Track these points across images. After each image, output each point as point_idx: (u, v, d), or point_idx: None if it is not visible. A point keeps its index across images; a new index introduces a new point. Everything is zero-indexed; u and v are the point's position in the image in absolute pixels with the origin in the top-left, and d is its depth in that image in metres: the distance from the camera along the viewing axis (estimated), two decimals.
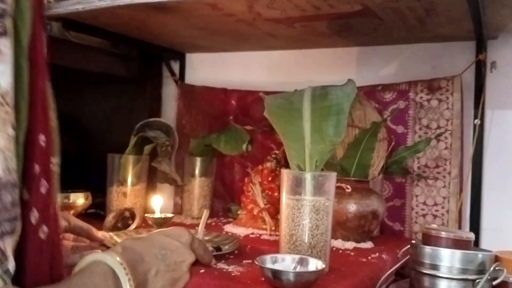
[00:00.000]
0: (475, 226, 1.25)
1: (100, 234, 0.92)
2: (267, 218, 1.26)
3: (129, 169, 1.27)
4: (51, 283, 0.46)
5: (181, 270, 0.62)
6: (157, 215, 1.22)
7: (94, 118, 1.75)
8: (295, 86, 1.08)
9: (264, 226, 1.26)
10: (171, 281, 0.60)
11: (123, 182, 1.27)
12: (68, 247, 0.82)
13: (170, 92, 1.70)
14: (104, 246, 0.90)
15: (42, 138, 0.45)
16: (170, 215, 1.26)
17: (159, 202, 1.23)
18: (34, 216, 0.44)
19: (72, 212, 1.13)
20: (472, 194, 1.27)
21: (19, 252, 0.43)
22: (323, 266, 0.82)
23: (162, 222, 1.21)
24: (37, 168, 0.44)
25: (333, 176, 0.90)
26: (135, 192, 1.27)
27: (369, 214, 1.13)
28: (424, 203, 1.31)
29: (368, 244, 1.14)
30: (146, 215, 1.23)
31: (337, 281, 0.84)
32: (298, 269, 0.82)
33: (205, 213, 0.86)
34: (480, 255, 0.80)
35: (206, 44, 1.54)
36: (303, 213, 0.87)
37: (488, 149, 1.27)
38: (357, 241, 1.14)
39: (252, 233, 1.24)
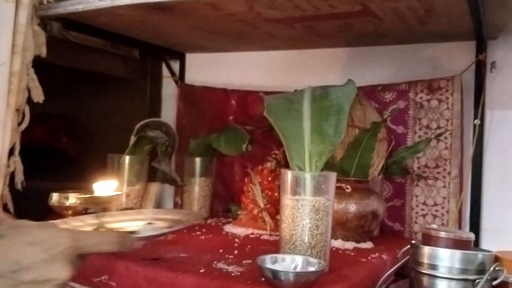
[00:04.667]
0: (475, 226, 1.25)
1: None
2: (267, 218, 1.26)
3: (129, 169, 1.27)
4: None
5: None
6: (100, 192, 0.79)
7: (94, 118, 1.74)
8: (295, 86, 1.08)
9: (264, 226, 1.26)
10: None
11: (123, 182, 1.27)
12: None
13: (170, 92, 1.70)
14: None
15: None
16: (116, 192, 0.83)
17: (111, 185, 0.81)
18: None
19: (71, 212, 1.13)
20: (472, 194, 1.27)
21: None
22: (323, 266, 0.82)
23: (102, 202, 0.82)
24: None
25: (333, 176, 0.90)
26: (135, 192, 1.27)
27: (369, 214, 1.13)
28: (424, 203, 1.31)
29: (368, 244, 1.14)
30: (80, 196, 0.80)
31: (337, 281, 0.84)
32: (298, 269, 0.82)
33: (153, 187, 0.69)
34: (480, 255, 0.80)
35: (206, 44, 1.54)
36: (303, 214, 0.87)
37: (488, 149, 1.27)
38: (357, 241, 1.14)
39: (252, 233, 1.24)
